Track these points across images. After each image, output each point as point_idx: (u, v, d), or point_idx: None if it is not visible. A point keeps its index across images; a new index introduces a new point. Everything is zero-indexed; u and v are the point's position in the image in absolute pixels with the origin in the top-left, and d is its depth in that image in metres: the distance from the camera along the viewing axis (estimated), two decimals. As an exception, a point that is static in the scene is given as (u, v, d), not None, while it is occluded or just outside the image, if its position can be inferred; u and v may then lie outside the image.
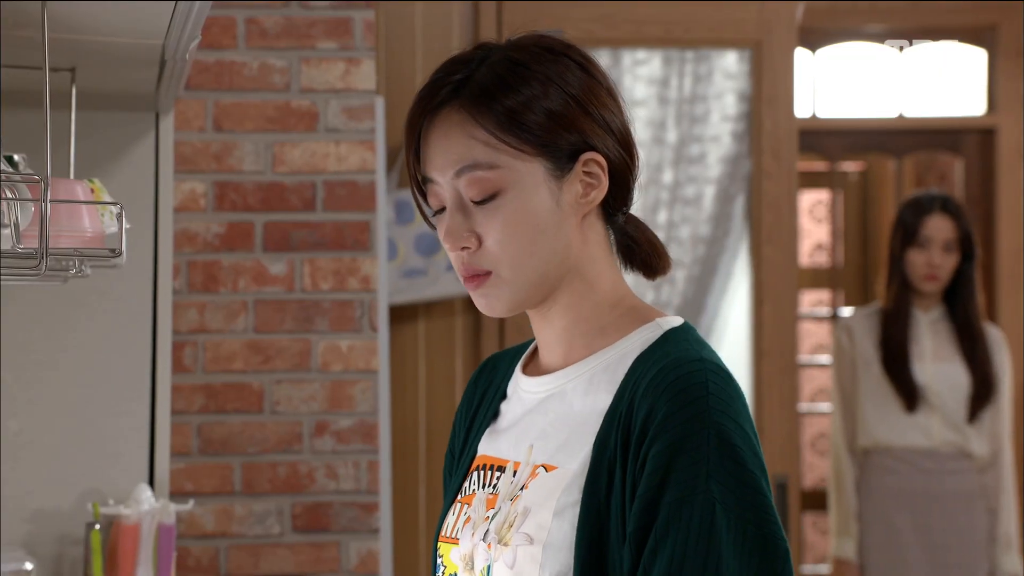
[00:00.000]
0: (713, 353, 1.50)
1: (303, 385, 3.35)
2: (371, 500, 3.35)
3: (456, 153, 1.50)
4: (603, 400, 1.50)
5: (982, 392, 4.10)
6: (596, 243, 1.55)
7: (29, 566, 2.55)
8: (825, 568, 5.44)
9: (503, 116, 1.49)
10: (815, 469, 6.09)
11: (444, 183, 1.52)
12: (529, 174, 1.50)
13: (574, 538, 1.46)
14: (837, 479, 4.16)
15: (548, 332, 1.57)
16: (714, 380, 1.44)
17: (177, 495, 3.19)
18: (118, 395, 2.77)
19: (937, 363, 4.13)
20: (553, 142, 1.50)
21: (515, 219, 1.50)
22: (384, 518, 3.51)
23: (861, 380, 4.16)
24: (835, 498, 4.16)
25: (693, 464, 1.41)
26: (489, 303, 1.53)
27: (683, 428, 1.41)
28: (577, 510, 1.46)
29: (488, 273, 1.51)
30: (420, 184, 1.55)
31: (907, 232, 4.16)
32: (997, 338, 4.17)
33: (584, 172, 1.52)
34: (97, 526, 2.60)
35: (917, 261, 4.14)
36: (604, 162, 1.52)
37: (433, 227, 1.56)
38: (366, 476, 3.35)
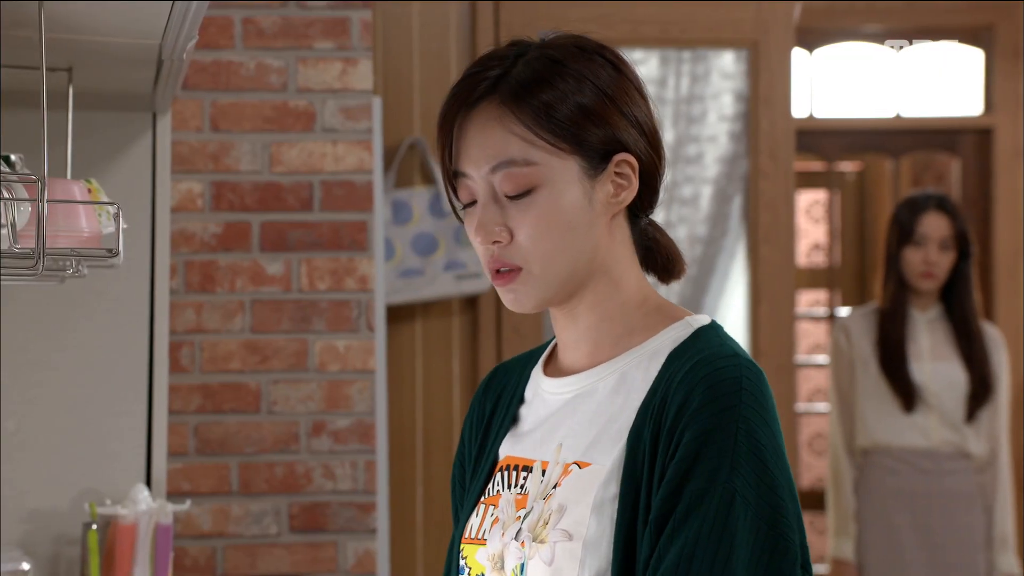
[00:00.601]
0: (744, 351, 1.52)
1: (300, 385, 3.35)
2: (368, 500, 3.35)
3: (493, 148, 1.52)
4: (636, 397, 1.52)
5: (980, 391, 4.10)
6: (622, 243, 1.57)
7: (26, 566, 2.55)
8: (823, 568, 5.44)
9: (540, 112, 1.51)
10: (812, 469, 6.09)
11: (478, 177, 1.53)
12: (564, 171, 1.52)
13: (612, 533, 1.47)
14: (835, 479, 4.16)
15: (573, 331, 1.58)
16: (748, 376, 1.46)
17: (174, 495, 3.19)
18: (115, 395, 2.77)
19: (935, 362, 4.13)
20: (584, 138, 1.52)
21: (548, 215, 1.51)
22: (381, 518, 3.51)
23: (859, 380, 4.16)
24: (833, 498, 4.16)
25: (719, 456, 1.42)
26: (517, 299, 1.55)
27: (714, 420, 1.43)
28: (615, 505, 1.48)
29: (518, 269, 1.53)
30: (451, 178, 1.56)
31: (903, 231, 4.16)
32: (995, 337, 4.17)
33: (616, 172, 1.54)
34: (94, 526, 2.60)
35: (914, 259, 4.14)
36: (635, 163, 1.54)
37: (461, 220, 1.58)
38: (363, 476, 3.35)
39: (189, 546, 3.30)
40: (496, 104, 1.52)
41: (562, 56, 1.54)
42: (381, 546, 3.48)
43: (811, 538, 5.87)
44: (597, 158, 1.53)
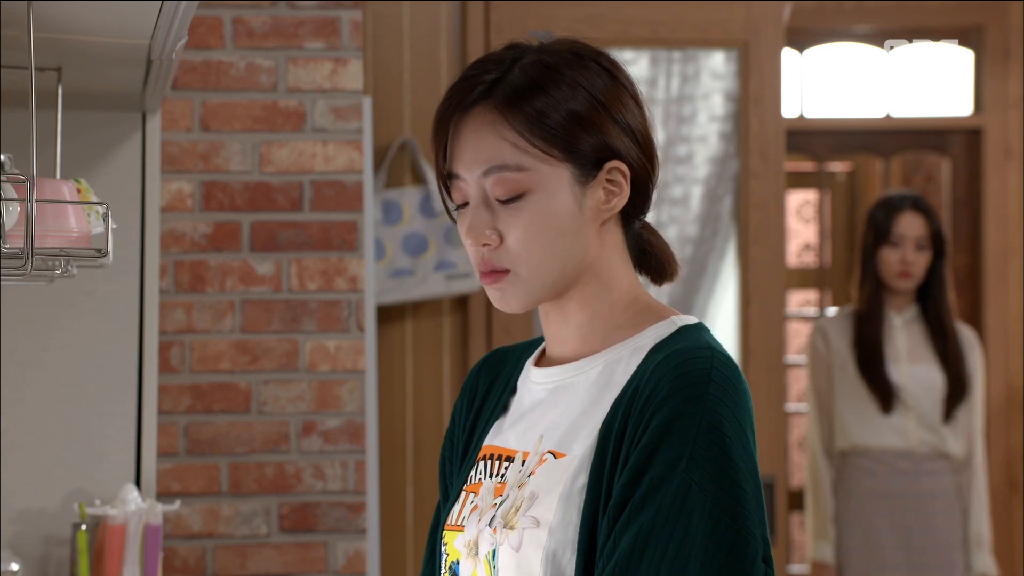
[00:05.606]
0: (724, 348, 1.53)
1: (290, 385, 3.34)
2: (358, 500, 3.35)
3: (486, 152, 1.54)
4: (614, 391, 1.54)
5: (956, 391, 4.11)
6: (613, 247, 1.59)
7: (15, 567, 2.54)
8: (804, 569, 5.45)
9: (533, 118, 1.52)
10: (803, 469, 6.09)
11: (470, 180, 1.55)
12: (555, 178, 1.54)
13: (578, 520, 1.48)
14: (814, 482, 4.17)
15: (562, 327, 1.60)
16: (719, 369, 1.48)
17: (164, 495, 3.19)
18: (105, 395, 2.76)
19: (912, 364, 4.14)
20: (576, 145, 1.53)
21: (538, 221, 1.53)
22: (371, 518, 3.51)
23: (837, 382, 4.17)
24: (812, 501, 4.17)
25: (680, 445, 1.44)
26: (504, 299, 1.57)
27: (678, 408, 1.45)
28: (584, 495, 1.49)
29: (506, 271, 1.55)
30: (445, 178, 1.58)
31: (879, 231, 4.18)
32: (969, 337, 4.19)
33: (607, 180, 1.56)
34: (83, 526, 2.60)
35: (891, 259, 4.15)
36: (627, 171, 1.56)
37: (455, 220, 1.60)
38: (353, 476, 3.35)
39: (179, 546, 3.29)
40: (491, 109, 1.54)
41: (557, 62, 1.55)
42: (371, 546, 3.48)
43: (801, 538, 5.88)
44: (589, 165, 1.54)
